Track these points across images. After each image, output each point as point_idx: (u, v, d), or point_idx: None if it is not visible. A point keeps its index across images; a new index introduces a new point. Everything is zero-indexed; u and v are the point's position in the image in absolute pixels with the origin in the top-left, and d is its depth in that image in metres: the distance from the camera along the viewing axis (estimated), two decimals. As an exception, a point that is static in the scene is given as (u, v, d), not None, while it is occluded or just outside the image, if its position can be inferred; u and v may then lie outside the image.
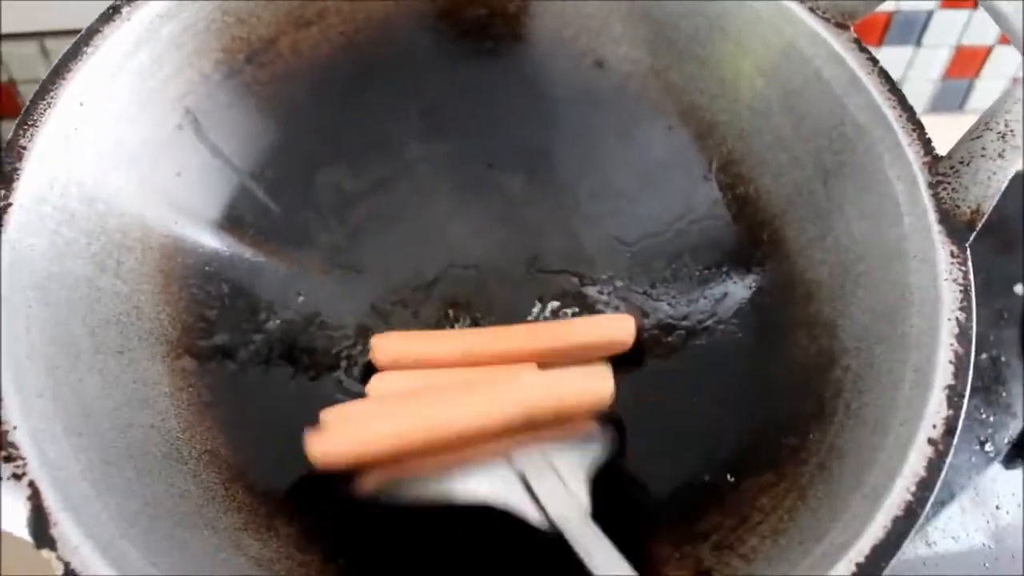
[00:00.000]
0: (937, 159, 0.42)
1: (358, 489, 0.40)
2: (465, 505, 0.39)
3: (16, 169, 0.40)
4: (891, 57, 0.73)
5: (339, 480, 0.43)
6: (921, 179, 0.42)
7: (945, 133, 0.44)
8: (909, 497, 0.35)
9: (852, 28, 0.46)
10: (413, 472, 0.40)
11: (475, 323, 0.50)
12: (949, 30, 0.72)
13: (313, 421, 0.44)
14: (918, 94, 0.77)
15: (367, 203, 0.51)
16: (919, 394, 0.38)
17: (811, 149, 0.46)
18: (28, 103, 0.42)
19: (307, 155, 0.50)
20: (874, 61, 0.45)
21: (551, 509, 0.38)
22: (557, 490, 0.39)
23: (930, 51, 0.74)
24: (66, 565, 0.32)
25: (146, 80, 0.45)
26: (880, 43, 0.72)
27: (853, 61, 0.45)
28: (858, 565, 0.34)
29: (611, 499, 0.44)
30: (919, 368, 0.39)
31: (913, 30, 0.72)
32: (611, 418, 0.44)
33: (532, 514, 0.38)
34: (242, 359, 0.46)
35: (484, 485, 0.39)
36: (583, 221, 0.52)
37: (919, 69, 0.75)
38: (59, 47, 0.64)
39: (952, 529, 0.53)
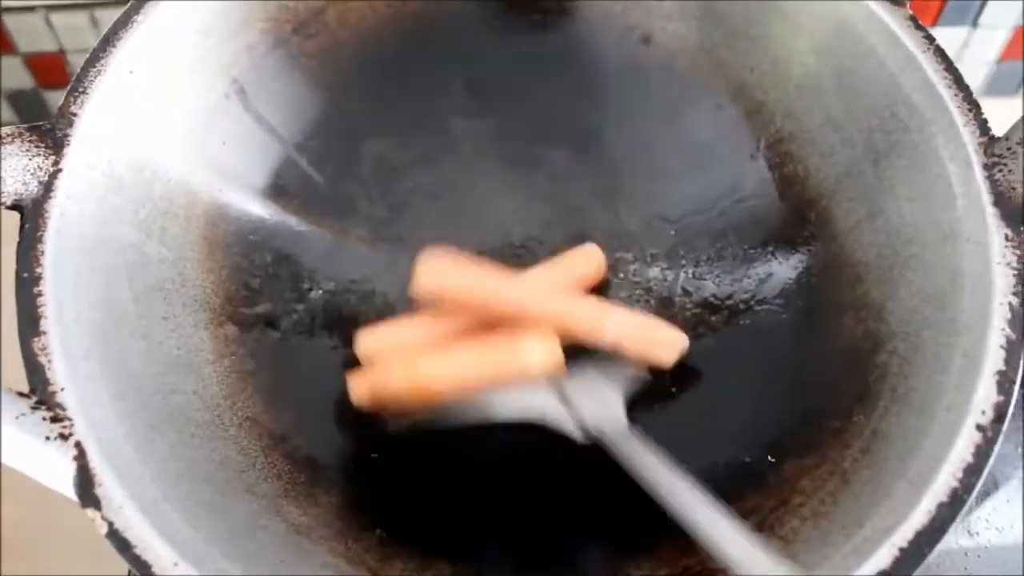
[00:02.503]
0: (993, 140, 0.41)
1: (392, 421, 0.42)
2: (505, 425, 0.41)
3: (66, 135, 0.40)
4: (946, 38, 0.71)
5: (379, 448, 0.44)
6: (976, 160, 0.41)
7: (1000, 116, 0.43)
8: (955, 484, 0.35)
9: (908, 5, 0.45)
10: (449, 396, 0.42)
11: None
12: (1007, 11, 0.70)
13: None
14: (973, 76, 0.75)
15: (411, 177, 0.51)
16: (968, 379, 0.37)
17: (862, 129, 0.45)
18: (79, 70, 0.42)
19: (352, 127, 0.50)
20: (930, 39, 0.44)
21: (590, 423, 0.41)
22: (595, 406, 0.41)
23: (986, 32, 0.72)
24: (110, 524, 0.33)
25: (194, 49, 0.45)
26: (935, 23, 0.70)
27: (908, 39, 0.44)
28: (901, 550, 0.34)
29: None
30: (968, 353, 0.38)
31: (969, 10, 0.70)
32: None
33: (570, 428, 0.41)
34: (284, 328, 0.46)
35: (522, 402, 0.41)
36: (628, 199, 0.51)
37: (974, 50, 0.73)
38: (109, 17, 0.65)
39: (996, 520, 0.52)
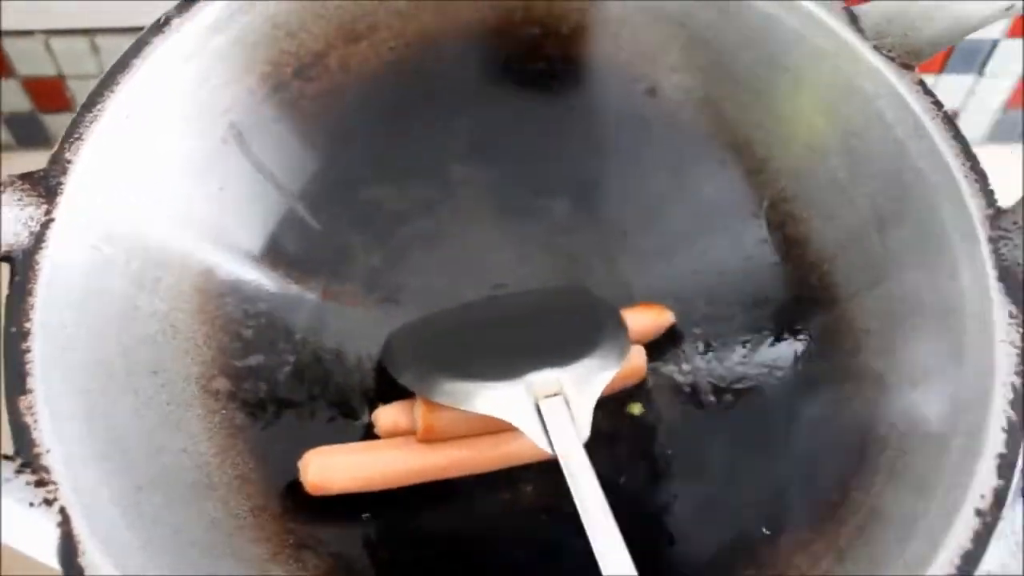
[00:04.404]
0: (1000, 212, 0.40)
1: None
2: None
3: (60, 183, 0.39)
4: (952, 84, 0.71)
5: (370, 508, 0.43)
6: (982, 233, 0.40)
7: (1004, 164, 0.42)
8: (952, 571, 0.34)
9: (917, 69, 0.44)
10: None
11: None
12: (1014, 59, 0.70)
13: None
14: (977, 124, 0.74)
15: (409, 225, 0.50)
16: (968, 460, 0.37)
17: (867, 193, 0.45)
18: (74, 116, 0.41)
19: (351, 173, 0.50)
20: (938, 105, 0.43)
21: (555, 441, 0.40)
22: (563, 420, 0.40)
23: (993, 80, 0.71)
24: (93, 595, 0.32)
25: (193, 93, 0.45)
26: (941, 70, 0.70)
27: (917, 104, 0.43)
28: (895, 636, 0.33)
29: (646, 548, 0.43)
30: (969, 433, 0.38)
31: (976, 58, 0.70)
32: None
33: (538, 439, 0.40)
34: (275, 381, 0.46)
35: (501, 405, 0.41)
36: (628, 251, 0.51)
37: (980, 98, 0.73)
38: (109, 43, 0.64)
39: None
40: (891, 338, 0.43)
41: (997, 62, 0.70)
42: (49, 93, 0.68)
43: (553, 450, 0.39)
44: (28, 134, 0.71)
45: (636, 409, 0.48)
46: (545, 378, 0.41)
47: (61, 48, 0.65)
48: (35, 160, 0.41)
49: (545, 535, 0.45)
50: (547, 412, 0.40)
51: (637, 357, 0.47)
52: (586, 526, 0.37)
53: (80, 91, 0.68)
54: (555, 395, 0.41)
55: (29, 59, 0.65)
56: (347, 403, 0.47)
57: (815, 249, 0.47)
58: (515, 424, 0.40)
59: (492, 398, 0.41)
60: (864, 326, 0.44)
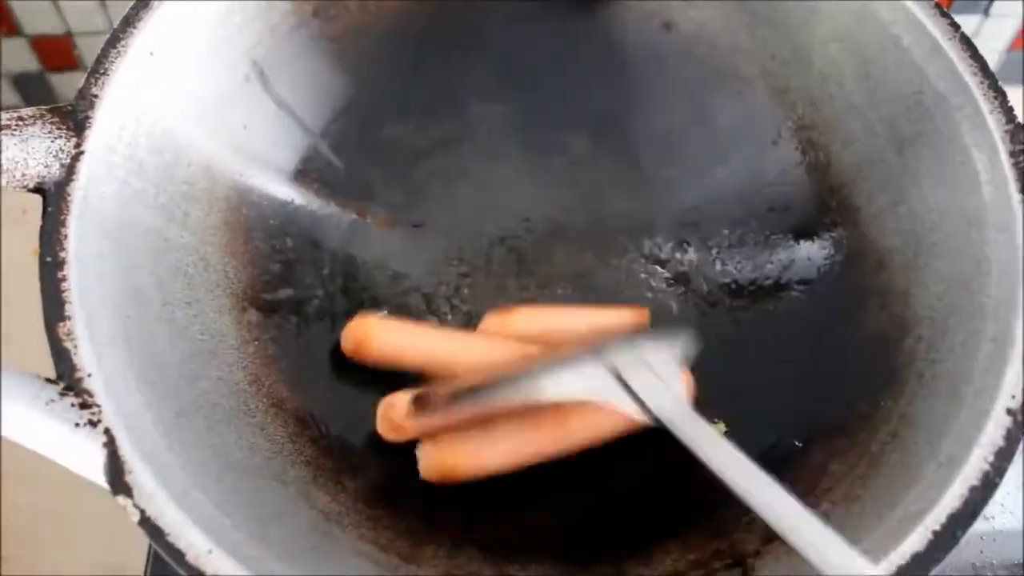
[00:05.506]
0: (1019, 128, 0.41)
1: (437, 402, 0.38)
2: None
3: (88, 118, 0.40)
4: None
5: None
6: (1002, 148, 0.41)
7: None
8: (986, 467, 0.35)
9: (932, -7, 0.45)
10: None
11: (540, 284, 0.50)
12: (1018, 1, 0.71)
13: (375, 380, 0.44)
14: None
15: (431, 161, 0.51)
16: (996, 365, 0.38)
17: (885, 116, 0.46)
18: (100, 51, 0.41)
19: (372, 111, 0.50)
20: (955, 27, 0.44)
21: (651, 403, 0.37)
22: (653, 384, 0.38)
23: (997, 21, 0.72)
24: (142, 512, 0.32)
25: (215, 30, 0.45)
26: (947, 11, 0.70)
27: (934, 27, 0.44)
28: (935, 533, 0.34)
29: (678, 461, 0.43)
30: (996, 339, 0.38)
31: (981, -1, 0.70)
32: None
33: (630, 408, 0.38)
34: (306, 313, 0.46)
35: (577, 382, 0.38)
36: (649, 183, 0.51)
37: (985, 39, 0.73)
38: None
39: (1010, 504, 0.52)
40: (914, 255, 0.44)
41: (1001, 3, 0.70)
42: (57, 51, 0.68)
43: (652, 416, 0.37)
44: (35, 94, 0.71)
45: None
46: (623, 348, 0.39)
47: (69, 5, 0.65)
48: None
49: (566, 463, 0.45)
50: (633, 382, 0.38)
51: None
52: (729, 484, 0.34)
53: (88, 50, 0.68)
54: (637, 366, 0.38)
55: (36, 16, 0.65)
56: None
57: (835, 173, 0.48)
58: (601, 401, 0.38)
59: (567, 380, 0.38)
60: (887, 245, 0.45)
